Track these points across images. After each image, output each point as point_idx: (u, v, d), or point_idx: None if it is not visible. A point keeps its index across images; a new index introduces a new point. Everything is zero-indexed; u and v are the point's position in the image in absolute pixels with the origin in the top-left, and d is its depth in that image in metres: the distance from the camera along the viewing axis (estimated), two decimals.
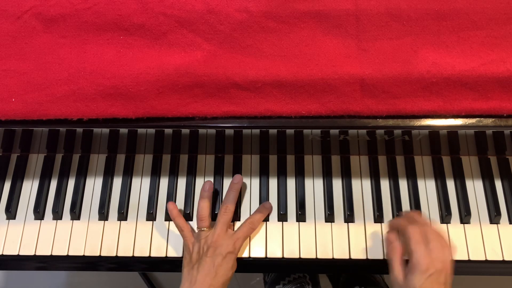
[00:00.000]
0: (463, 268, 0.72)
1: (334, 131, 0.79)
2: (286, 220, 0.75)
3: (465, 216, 0.74)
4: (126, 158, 0.80)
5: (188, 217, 0.76)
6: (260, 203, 0.76)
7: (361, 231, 0.74)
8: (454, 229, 0.74)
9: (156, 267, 0.75)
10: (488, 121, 0.61)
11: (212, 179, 0.78)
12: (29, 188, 0.79)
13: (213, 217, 0.75)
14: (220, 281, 0.66)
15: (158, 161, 0.80)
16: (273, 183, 0.78)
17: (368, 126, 0.62)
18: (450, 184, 0.77)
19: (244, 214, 0.76)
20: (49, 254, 0.74)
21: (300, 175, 0.78)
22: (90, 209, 0.77)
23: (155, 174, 0.79)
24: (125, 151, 0.81)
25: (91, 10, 0.63)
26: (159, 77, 0.61)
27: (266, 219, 0.75)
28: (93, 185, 0.79)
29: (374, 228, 0.74)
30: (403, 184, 0.77)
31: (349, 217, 0.75)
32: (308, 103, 0.61)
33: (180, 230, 0.72)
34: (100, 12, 0.63)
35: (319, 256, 0.73)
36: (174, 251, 0.74)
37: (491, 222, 0.75)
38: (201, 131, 0.80)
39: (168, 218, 0.76)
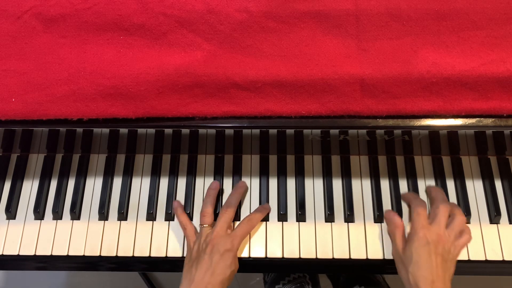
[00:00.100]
0: (463, 268, 0.72)
1: (334, 131, 0.79)
2: (286, 220, 0.75)
3: (465, 216, 0.74)
4: (126, 158, 0.80)
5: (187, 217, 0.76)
6: (260, 203, 0.76)
7: (361, 231, 0.74)
8: None
9: (156, 267, 0.75)
10: (488, 121, 0.61)
11: (212, 179, 0.78)
12: (29, 188, 0.79)
13: (215, 217, 0.75)
14: (218, 279, 0.66)
15: (158, 161, 0.80)
16: (273, 183, 0.78)
17: (368, 126, 0.62)
18: (450, 184, 0.77)
19: (244, 214, 0.76)
20: (49, 254, 0.74)
21: (300, 175, 0.78)
22: (90, 209, 0.77)
23: (155, 174, 0.79)
24: (125, 151, 0.81)
25: (91, 10, 0.63)
26: (159, 77, 0.61)
27: (266, 219, 0.75)
28: (93, 185, 0.79)
29: (374, 228, 0.74)
30: (403, 184, 0.77)
31: (349, 217, 0.75)
32: (308, 103, 0.61)
33: (183, 228, 0.73)
34: (100, 12, 0.63)
35: (319, 256, 0.73)
36: (174, 251, 0.74)
37: (491, 222, 0.75)
38: (201, 131, 0.80)
39: (168, 218, 0.76)
